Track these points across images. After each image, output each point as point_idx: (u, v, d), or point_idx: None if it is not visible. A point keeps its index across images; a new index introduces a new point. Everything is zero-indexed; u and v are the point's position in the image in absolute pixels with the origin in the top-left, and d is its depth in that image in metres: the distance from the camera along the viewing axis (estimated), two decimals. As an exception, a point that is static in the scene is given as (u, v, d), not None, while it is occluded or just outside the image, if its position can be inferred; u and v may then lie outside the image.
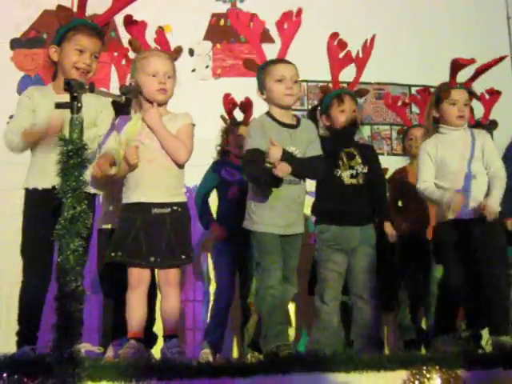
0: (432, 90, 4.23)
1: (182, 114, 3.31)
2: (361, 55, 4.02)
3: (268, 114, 3.47)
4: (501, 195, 3.68)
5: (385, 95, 5.39)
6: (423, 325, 4.66)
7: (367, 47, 4.04)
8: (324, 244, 3.69)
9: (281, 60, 3.53)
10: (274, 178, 3.25)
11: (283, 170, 3.22)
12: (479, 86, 4.10)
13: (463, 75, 3.92)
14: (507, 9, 6.44)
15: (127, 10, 5.36)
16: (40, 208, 3.16)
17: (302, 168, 3.37)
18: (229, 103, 4.65)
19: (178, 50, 3.44)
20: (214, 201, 4.53)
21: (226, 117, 4.67)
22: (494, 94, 4.72)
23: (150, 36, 3.58)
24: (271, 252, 3.36)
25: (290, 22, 3.71)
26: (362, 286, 3.65)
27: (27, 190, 3.26)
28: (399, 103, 5.06)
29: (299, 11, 3.72)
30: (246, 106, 4.59)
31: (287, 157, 3.30)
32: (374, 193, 3.83)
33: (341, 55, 3.95)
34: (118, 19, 5.49)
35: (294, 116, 3.52)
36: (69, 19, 3.30)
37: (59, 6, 3.33)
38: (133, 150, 3.14)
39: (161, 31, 3.57)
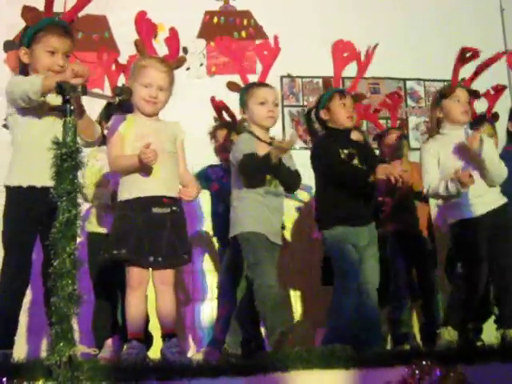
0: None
1: (174, 123, 3.30)
2: (363, 59, 4.05)
3: (250, 132, 3.62)
4: (497, 159, 3.75)
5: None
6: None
7: (369, 54, 4.08)
8: (336, 238, 3.68)
9: (264, 84, 3.72)
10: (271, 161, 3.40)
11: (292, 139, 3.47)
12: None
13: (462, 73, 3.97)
14: (501, 0, 6.45)
15: (119, 9, 5.42)
16: (23, 207, 3.11)
17: (289, 173, 3.58)
18: (216, 106, 4.67)
19: (181, 60, 3.43)
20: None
21: (217, 116, 4.70)
22: (500, 89, 4.74)
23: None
24: (266, 250, 3.42)
25: (269, 49, 3.91)
26: (370, 283, 3.65)
27: (9, 188, 3.16)
28: (371, 110, 5.07)
29: (276, 39, 3.92)
30: (230, 114, 4.64)
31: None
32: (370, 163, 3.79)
33: (345, 54, 4.00)
34: (112, 19, 5.57)
35: (270, 138, 3.65)
36: (36, 19, 3.21)
37: (25, 7, 3.23)
38: (148, 152, 3.05)
39: (174, 31, 3.53)
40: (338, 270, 3.67)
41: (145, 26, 3.45)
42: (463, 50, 3.90)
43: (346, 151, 3.76)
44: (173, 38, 3.51)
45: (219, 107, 4.66)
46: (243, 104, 3.67)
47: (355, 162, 3.75)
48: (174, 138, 3.27)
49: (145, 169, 3.10)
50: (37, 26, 3.19)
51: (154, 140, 3.12)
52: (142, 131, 3.19)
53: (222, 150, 4.52)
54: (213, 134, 4.63)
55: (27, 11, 3.22)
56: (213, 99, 4.68)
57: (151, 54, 3.38)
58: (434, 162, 3.78)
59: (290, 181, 3.63)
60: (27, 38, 3.20)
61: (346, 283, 3.60)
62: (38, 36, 3.17)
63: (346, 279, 3.61)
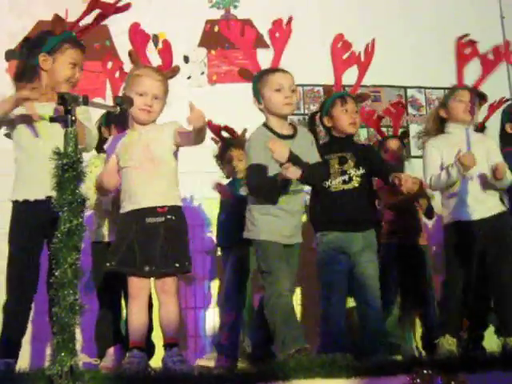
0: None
1: (169, 123, 3.28)
2: (362, 59, 4.02)
3: (265, 125, 3.46)
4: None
5: (360, 110, 5.39)
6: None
7: (368, 51, 4.04)
8: (327, 246, 3.66)
9: (278, 69, 3.50)
10: (279, 184, 3.26)
11: (292, 171, 3.19)
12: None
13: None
14: (501, 8, 6.45)
15: (119, 18, 5.43)
16: (22, 220, 3.18)
17: (310, 172, 3.36)
18: (214, 129, 4.67)
19: (175, 70, 3.44)
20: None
21: (217, 138, 4.70)
22: (504, 101, 4.77)
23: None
24: (279, 259, 3.35)
25: (281, 31, 3.68)
26: (369, 292, 3.60)
27: (13, 203, 3.25)
28: (375, 116, 5.06)
29: (290, 19, 3.69)
30: (230, 131, 4.64)
31: (294, 158, 3.27)
32: (375, 168, 3.77)
33: (344, 56, 3.93)
34: (113, 28, 5.57)
35: (290, 125, 3.52)
36: (63, 30, 3.30)
37: (56, 16, 3.31)
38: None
39: (167, 43, 3.52)
40: (324, 278, 3.65)
41: (139, 37, 3.47)
42: (460, 44, 3.99)
43: (338, 155, 3.72)
44: (166, 49, 3.50)
45: (219, 129, 4.66)
46: (257, 93, 3.46)
47: (346, 166, 3.70)
48: (168, 138, 3.25)
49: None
50: (61, 37, 3.28)
51: (140, 152, 3.19)
52: (127, 145, 3.24)
53: (232, 169, 4.55)
54: (220, 157, 4.65)
55: (57, 20, 3.29)
56: (209, 123, 4.65)
57: (145, 64, 3.40)
58: (437, 157, 3.81)
59: (310, 180, 3.49)
60: (50, 46, 3.27)
61: (329, 294, 3.59)
62: (63, 47, 3.27)
63: (330, 290, 3.59)
